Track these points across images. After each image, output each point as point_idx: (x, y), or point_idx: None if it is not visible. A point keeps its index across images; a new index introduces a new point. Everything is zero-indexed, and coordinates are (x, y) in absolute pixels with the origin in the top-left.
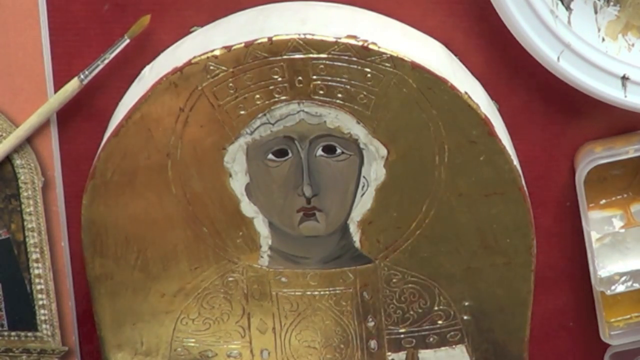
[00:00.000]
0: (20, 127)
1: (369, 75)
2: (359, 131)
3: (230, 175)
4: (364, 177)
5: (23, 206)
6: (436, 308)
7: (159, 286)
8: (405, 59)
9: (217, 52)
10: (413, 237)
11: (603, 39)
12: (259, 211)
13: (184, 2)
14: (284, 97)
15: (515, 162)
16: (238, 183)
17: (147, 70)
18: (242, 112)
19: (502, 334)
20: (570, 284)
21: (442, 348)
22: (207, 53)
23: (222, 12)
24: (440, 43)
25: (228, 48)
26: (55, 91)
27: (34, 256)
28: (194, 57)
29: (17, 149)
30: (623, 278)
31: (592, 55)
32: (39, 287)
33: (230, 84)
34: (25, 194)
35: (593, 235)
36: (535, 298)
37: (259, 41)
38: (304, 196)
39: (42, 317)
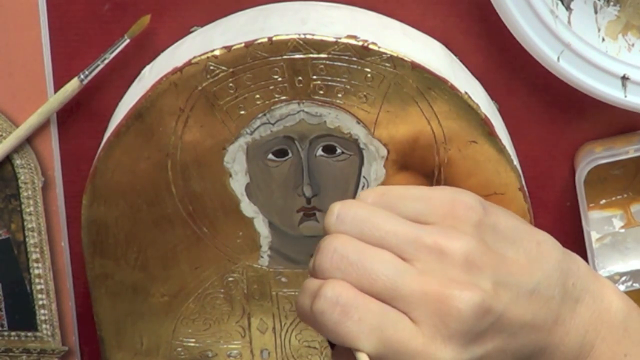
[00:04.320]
0: (20, 127)
1: (369, 75)
2: (359, 131)
3: (230, 175)
4: (364, 177)
5: (23, 206)
6: None
7: (159, 286)
8: (405, 59)
9: (217, 52)
10: None
11: (603, 39)
12: (259, 211)
13: (184, 2)
14: (284, 97)
15: (515, 162)
16: (238, 183)
17: (147, 70)
18: (242, 112)
19: None
20: None
21: None
22: (207, 53)
23: (222, 12)
24: (440, 43)
25: (228, 48)
26: (55, 91)
27: (34, 256)
28: (194, 57)
29: (17, 149)
30: (623, 278)
31: (592, 55)
32: (39, 287)
33: (230, 84)
34: (25, 194)
35: (593, 235)
36: None
37: (259, 41)
38: (304, 196)
39: (42, 317)
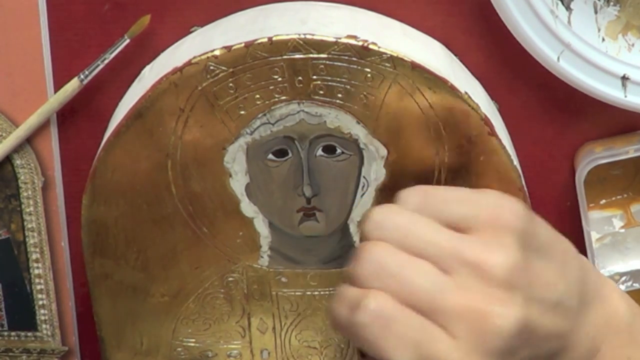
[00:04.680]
0: (20, 127)
1: (369, 75)
2: (359, 131)
3: (230, 175)
4: (364, 177)
5: (23, 206)
6: None
7: (159, 286)
8: (405, 59)
9: (217, 52)
10: None
11: (603, 39)
12: (259, 211)
13: (184, 2)
14: (284, 97)
15: (515, 162)
16: (238, 183)
17: (147, 70)
18: (242, 112)
19: None
20: None
21: None
22: (207, 53)
23: (222, 12)
24: (440, 43)
25: (228, 48)
26: (55, 91)
27: (34, 256)
28: (194, 57)
29: (17, 149)
30: (623, 278)
31: (592, 55)
32: (39, 287)
33: (230, 84)
34: (25, 194)
35: (593, 235)
36: None
37: (259, 41)
38: (304, 196)
39: (42, 317)
